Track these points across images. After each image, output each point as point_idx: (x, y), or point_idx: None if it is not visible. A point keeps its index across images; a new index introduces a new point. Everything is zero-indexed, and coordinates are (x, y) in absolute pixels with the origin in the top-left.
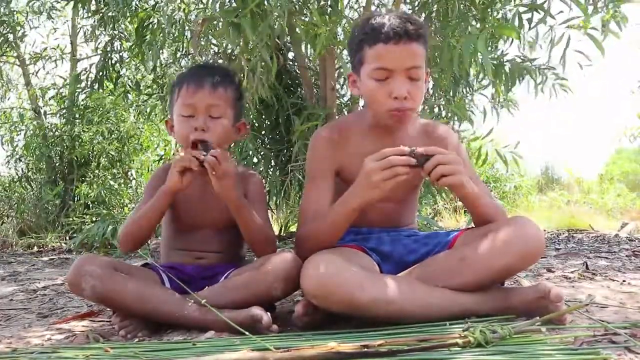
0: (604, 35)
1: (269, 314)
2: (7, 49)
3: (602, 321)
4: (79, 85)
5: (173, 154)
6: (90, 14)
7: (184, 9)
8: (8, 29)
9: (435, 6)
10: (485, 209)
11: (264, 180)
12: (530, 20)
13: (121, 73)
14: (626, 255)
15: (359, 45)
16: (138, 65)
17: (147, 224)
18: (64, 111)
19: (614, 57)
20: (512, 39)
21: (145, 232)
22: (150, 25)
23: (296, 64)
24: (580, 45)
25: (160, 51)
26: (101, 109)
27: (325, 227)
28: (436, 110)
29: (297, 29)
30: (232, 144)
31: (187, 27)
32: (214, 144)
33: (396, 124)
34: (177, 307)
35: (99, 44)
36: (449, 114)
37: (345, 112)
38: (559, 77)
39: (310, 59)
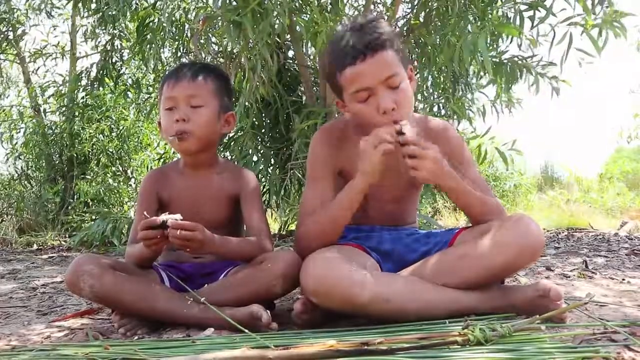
0: (605, 35)
1: (268, 311)
2: (7, 47)
3: (602, 319)
4: (79, 84)
5: (173, 153)
6: (90, 13)
7: (184, 8)
8: (8, 27)
9: (435, 4)
10: (473, 207)
11: (263, 179)
12: (532, 19)
13: (122, 72)
14: (625, 254)
15: (331, 74)
16: (139, 64)
17: (145, 262)
18: (64, 109)
19: (614, 56)
20: (511, 38)
21: (144, 265)
22: (151, 24)
23: (296, 62)
24: (580, 44)
25: (161, 50)
26: (101, 107)
27: (324, 221)
28: (435, 108)
29: (298, 28)
30: (224, 137)
31: (187, 26)
32: (195, 133)
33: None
34: (177, 305)
35: (98, 42)
36: (448, 112)
37: None
38: (554, 76)
39: (310, 57)
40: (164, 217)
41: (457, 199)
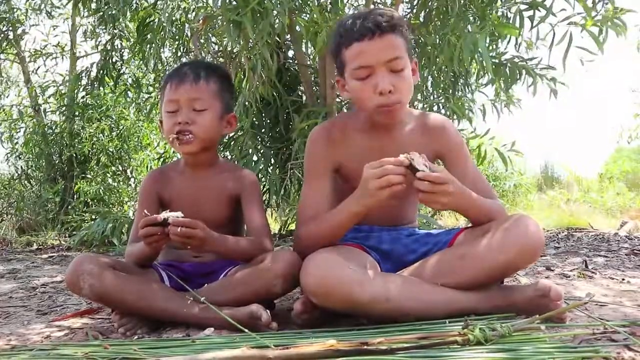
0: (605, 33)
1: (268, 311)
2: (7, 47)
3: (602, 319)
4: (79, 84)
5: (173, 152)
6: (90, 13)
7: (184, 8)
8: (8, 26)
9: (435, 4)
10: (480, 216)
11: (263, 179)
12: (532, 18)
13: (122, 71)
14: (625, 254)
15: (337, 49)
16: (139, 63)
17: (144, 262)
18: (64, 109)
19: (615, 56)
20: (510, 38)
21: (144, 264)
22: (151, 24)
23: (296, 62)
24: (580, 43)
25: (161, 50)
26: (101, 106)
27: (325, 229)
28: (435, 108)
29: (297, 27)
30: (225, 137)
31: (187, 26)
32: (198, 136)
33: (387, 120)
34: (177, 305)
35: (99, 42)
36: (448, 113)
37: (345, 110)
38: (552, 78)
39: (310, 57)
40: (165, 214)
41: (465, 214)
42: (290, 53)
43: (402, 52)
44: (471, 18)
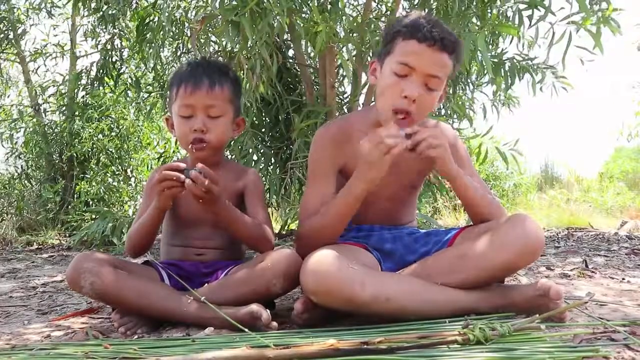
0: (600, 32)
1: (268, 311)
2: (7, 46)
3: (602, 319)
4: (79, 83)
5: (173, 152)
6: (90, 12)
7: (184, 7)
8: (8, 26)
9: (435, 4)
10: (473, 197)
11: (264, 179)
12: (530, 18)
13: (121, 71)
14: (625, 254)
15: (393, 36)
16: (138, 63)
17: (146, 233)
18: (64, 108)
19: (615, 55)
20: (512, 38)
21: (146, 239)
22: (151, 24)
23: (296, 61)
24: (579, 42)
25: (161, 49)
26: (101, 106)
27: (328, 220)
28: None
29: (297, 27)
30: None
31: (187, 25)
32: (213, 143)
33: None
34: (177, 304)
35: (99, 42)
36: (449, 112)
37: (345, 110)
38: (558, 75)
39: (310, 56)
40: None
41: (458, 187)
42: (291, 53)
43: (444, 76)
44: (471, 17)
